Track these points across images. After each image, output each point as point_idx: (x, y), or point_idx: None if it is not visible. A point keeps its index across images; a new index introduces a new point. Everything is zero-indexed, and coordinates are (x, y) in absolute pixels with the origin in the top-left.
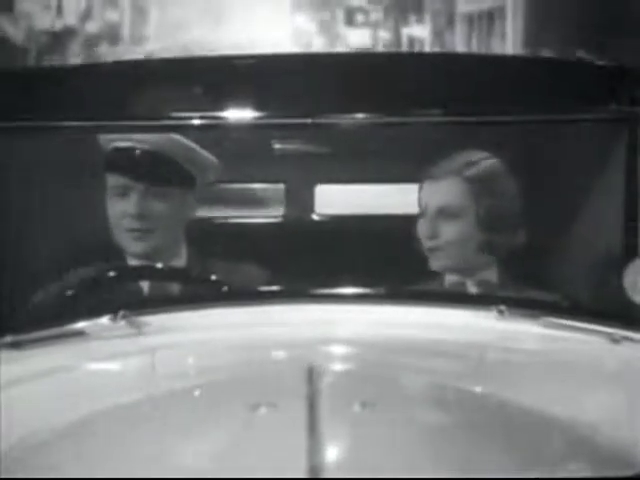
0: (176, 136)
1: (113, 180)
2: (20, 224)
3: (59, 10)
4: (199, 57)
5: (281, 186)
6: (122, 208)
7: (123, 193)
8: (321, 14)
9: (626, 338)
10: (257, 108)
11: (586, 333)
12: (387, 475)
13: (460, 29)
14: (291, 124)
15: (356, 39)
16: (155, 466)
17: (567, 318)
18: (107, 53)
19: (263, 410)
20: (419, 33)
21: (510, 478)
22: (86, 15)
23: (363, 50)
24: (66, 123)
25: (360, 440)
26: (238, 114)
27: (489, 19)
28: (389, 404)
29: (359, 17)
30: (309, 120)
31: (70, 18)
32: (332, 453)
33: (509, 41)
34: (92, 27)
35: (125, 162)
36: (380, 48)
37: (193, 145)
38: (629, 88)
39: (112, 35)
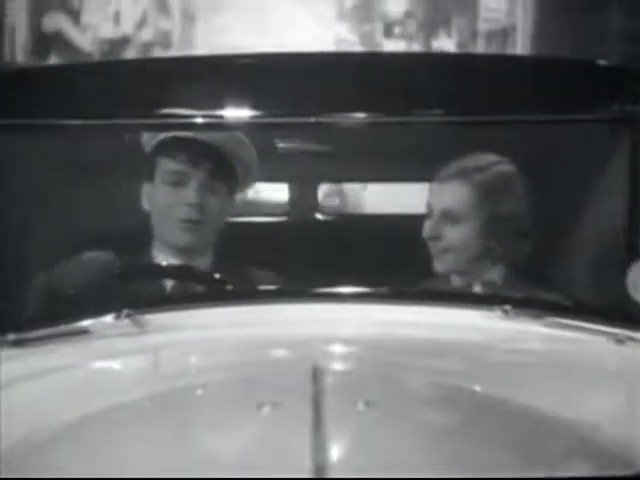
0: (240, 134)
1: (172, 166)
2: (23, 221)
3: (116, 20)
4: (201, 56)
5: (285, 185)
6: (180, 196)
7: (181, 181)
8: (362, 26)
9: (630, 338)
10: (260, 107)
11: (590, 333)
12: (392, 474)
13: (480, 44)
14: (295, 123)
15: (393, 49)
16: (157, 465)
17: (571, 318)
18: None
19: (267, 409)
20: (447, 46)
21: (512, 478)
22: (141, 24)
23: (367, 50)
24: (69, 122)
25: (365, 439)
26: (241, 113)
27: (503, 36)
28: (393, 403)
29: (397, 29)
30: (313, 119)
31: (127, 27)
32: (337, 452)
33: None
34: (146, 34)
35: (188, 150)
36: None
37: (250, 144)
38: (632, 88)
39: (164, 41)
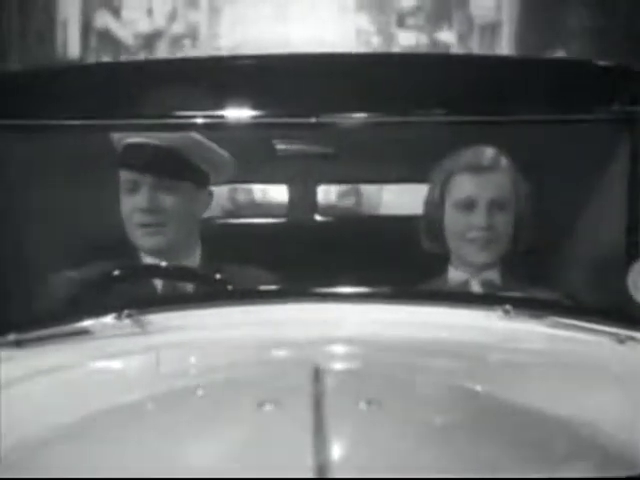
0: (192, 133)
1: (125, 175)
2: (24, 222)
3: (150, 14)
4: (203, 57)
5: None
6: (133, 203)
7: (134, 188)
8: (379, 17)
9: (631, 338)
10: (261, 108)
11: (591, 333)
12: (393, 474)
13: (476, 36)
14: (295, 124)
15: (405, 40)
16: (159, 466)
17: (572, 318)
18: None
19: (269, 408)
20: (448, 38)
21: (513, 478)
22: (172, 17)
23: (366, 51)
24: (72, 122)
25: (367, 438)
26: (242, 114)
27: (492, 30)
28: (395, 403)
29: (409, 20)
30: (313, 119)
31: (159, 21)
32: (339, 451)
33: (504, 50)
34: (177, 28)
35: (137, 157)
36: (419, 48)
37: (209, 143)
38: (630, 88)
39: (194, 34)
